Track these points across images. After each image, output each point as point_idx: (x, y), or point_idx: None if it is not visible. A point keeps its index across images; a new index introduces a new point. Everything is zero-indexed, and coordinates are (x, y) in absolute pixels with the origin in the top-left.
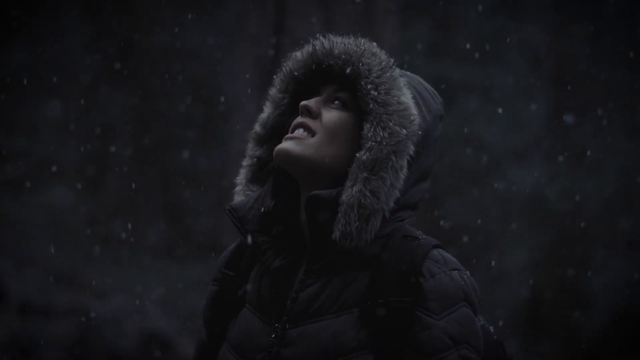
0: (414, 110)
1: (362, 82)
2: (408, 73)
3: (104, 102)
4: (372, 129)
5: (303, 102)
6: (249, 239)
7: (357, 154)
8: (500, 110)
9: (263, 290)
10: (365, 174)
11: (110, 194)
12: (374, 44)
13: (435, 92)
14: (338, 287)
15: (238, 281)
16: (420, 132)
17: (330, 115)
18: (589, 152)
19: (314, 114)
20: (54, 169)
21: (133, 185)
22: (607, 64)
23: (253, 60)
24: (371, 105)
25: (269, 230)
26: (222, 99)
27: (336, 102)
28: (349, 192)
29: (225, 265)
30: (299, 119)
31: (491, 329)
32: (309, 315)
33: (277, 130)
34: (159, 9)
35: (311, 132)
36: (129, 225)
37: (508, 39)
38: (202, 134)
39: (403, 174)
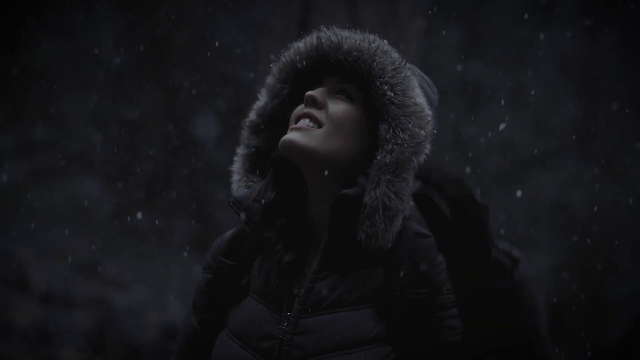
0: (428, 111)
1: (377, 82)
2: (407, 64)
3: (133, 95)
4: (390, 131)
5: (309, 93)
6: (255, 231)
7: (379, 157)
8: (527, 115)
9: (272, 280)
10: (388, 176)
11: (136, 187)
12: (385, 41)
13: (431, 81)
14: (354, 281)
15: (239, 270)
16: (435, 132)
17: (337, 107)
18: (615, 158)
19: (319, 105)
20: (81, 160)
21: (159, 179)
22: (636, 70)
23: (277, 57)
24: (389, 107)
25: (273, 223)
26: (249, 95)
27: (341, 94)
28: (372, 195)
29: (223, 254)
30: (304, 109)
31: None
32: (326, 306)
33: (275, 119)
34: (188, 5)
35: (317, 123)
36: (153, 219)
37: (537, 44)
38: (229, 130)
39: None
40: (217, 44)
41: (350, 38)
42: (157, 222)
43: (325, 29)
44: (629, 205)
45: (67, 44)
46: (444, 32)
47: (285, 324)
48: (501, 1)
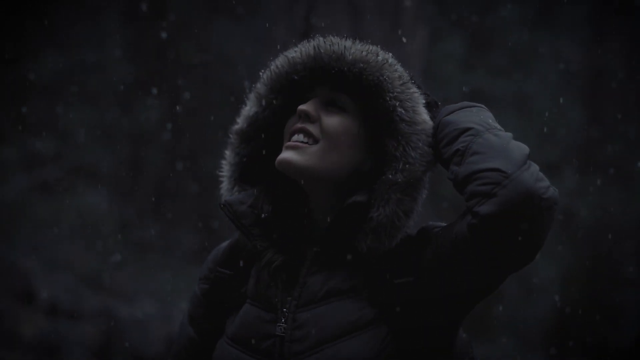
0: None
1: (387, 97)
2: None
3: (138, 107)
4: (400, 148)
5: (301, 107)
6: (247, 235)
7: (390, 175)
8: (532, 123)
9: (264, 282)
10: (399, 196)
11: (142, 199)
12: (389, 53)
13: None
14: (346, 275)
15: (237, 279)
16: None
17: (331, 120)
18: (621, 167)
19: (313, 119)
20: (87, 173)
21: (165, 191)
22: None
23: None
24: (398, 124)
25: (268, 232)
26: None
27: (335, 105)
28: (381, 212)
29: (219, 264)
30: (298, 124)
31: None
32: (320, 298)
33: (267, 128)
34: (194, 17)
35: (312, 138)
36: (160, 230)
37: (542, 53)
38: None
39: (427, 188)
40: (221, 54)
41: (353, 49)
42: (162, 234)
43: (322, 38)
44: (635, 214)
45: (72, 56)
46: (448, 41)
47: (282, 320)
48: (506, 10)
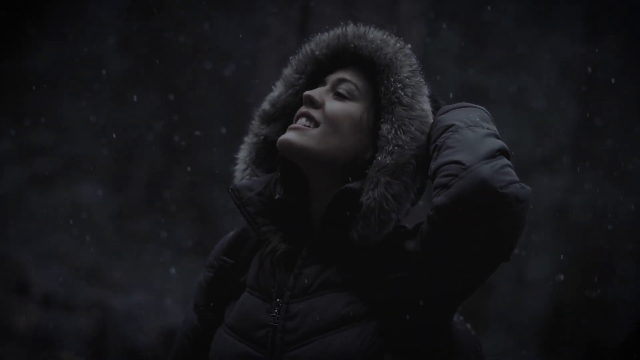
0: (431, 119)
1: (392, 79)
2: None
3: (133, 100)
4: (392, 131)
5: (306, 93)
6: (250, 222)
7: (379, 157)
8: (528, 119)
9: (262, 271)
10: (388, 178)
11: (137, 192)
12: (408, 45)
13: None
14: (338, 268)
15: (239, 268)
16: None
17: (334, 105)
18: (616, 162)
19: (317, 104)
20: (82, 165)
21: (160, 183)
22: (637, 75)
23: (277, 61)
24: (395, 106)
25: (275, 217)
26: (250, 99)
27: (341, 92)
28: (370, 195)
29: (223, 253)
30: (302, 109)
31: (468, 326)
32: (313, 290)
33: (287, 110)
34: (189, 10)
35: (314, 122)
36: (154, 223)
37: (538, 49)
38: (230, 134)
39: (419, 177)
40: (217, 47)
41: (377, 32)
42: (157, 226)
43: (352, 23)
44: (630, 209)
45: (67, 49)
46: (444, 37)
47: (276, 310)
48: (502, 6)
